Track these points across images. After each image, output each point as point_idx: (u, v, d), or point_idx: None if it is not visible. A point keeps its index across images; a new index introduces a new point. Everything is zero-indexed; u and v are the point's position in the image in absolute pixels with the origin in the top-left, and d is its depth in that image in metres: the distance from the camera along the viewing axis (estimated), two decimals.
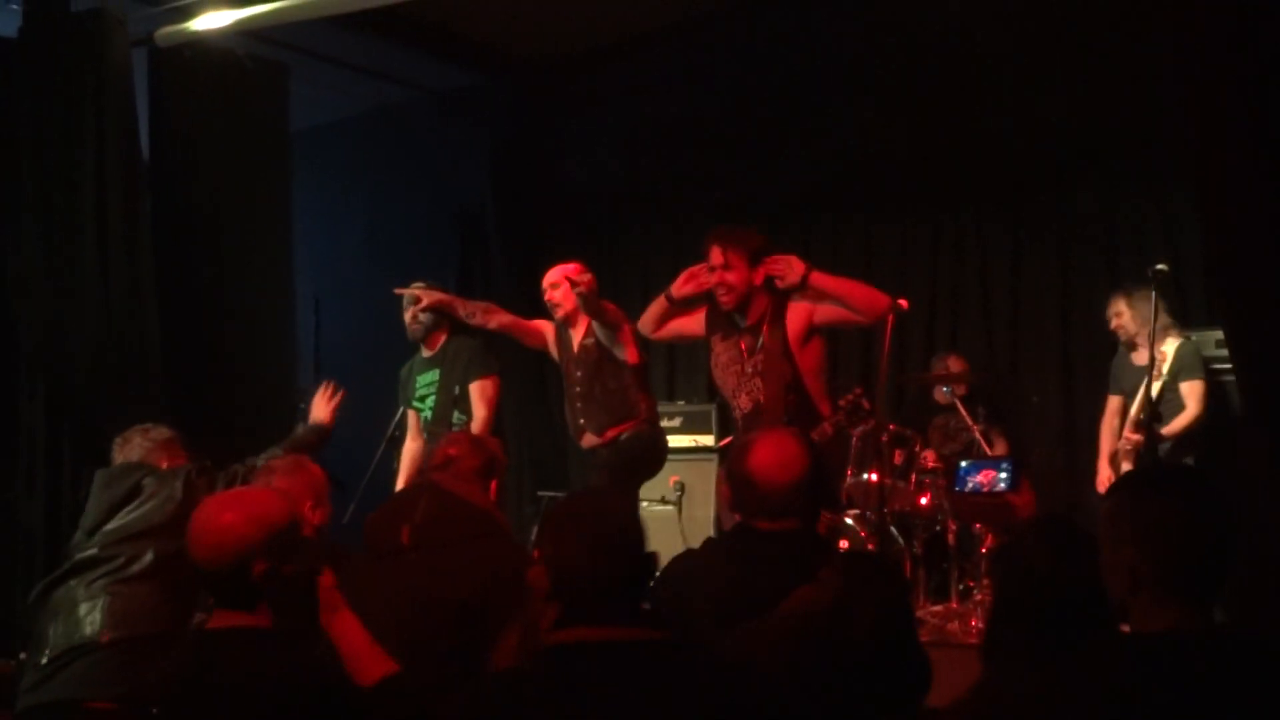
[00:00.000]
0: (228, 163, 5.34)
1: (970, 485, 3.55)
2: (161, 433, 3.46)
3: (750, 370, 3.95)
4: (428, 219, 7.19)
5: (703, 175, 6.42)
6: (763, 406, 3.92)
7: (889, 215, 6.35)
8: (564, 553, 1.85)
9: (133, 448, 3.40)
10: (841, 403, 3.82)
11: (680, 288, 4.08)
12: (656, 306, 4.19)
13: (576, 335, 4.62)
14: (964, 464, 3.47)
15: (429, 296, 4.73)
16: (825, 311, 3.93)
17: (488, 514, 2.86)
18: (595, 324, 4.44)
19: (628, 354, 4.49)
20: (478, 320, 4.71)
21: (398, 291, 4.82)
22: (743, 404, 4.00)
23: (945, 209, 6.25)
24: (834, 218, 6.48)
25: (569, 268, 4.59)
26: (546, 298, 4.63)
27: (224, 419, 4.96)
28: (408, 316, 4.81)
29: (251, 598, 2.07)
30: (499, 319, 4.73)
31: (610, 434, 4.52)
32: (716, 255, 3.94)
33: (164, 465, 3.33)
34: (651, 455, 4.57)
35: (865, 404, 3.76)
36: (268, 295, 5.47)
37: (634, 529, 1.91)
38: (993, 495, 3.54)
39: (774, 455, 2.21)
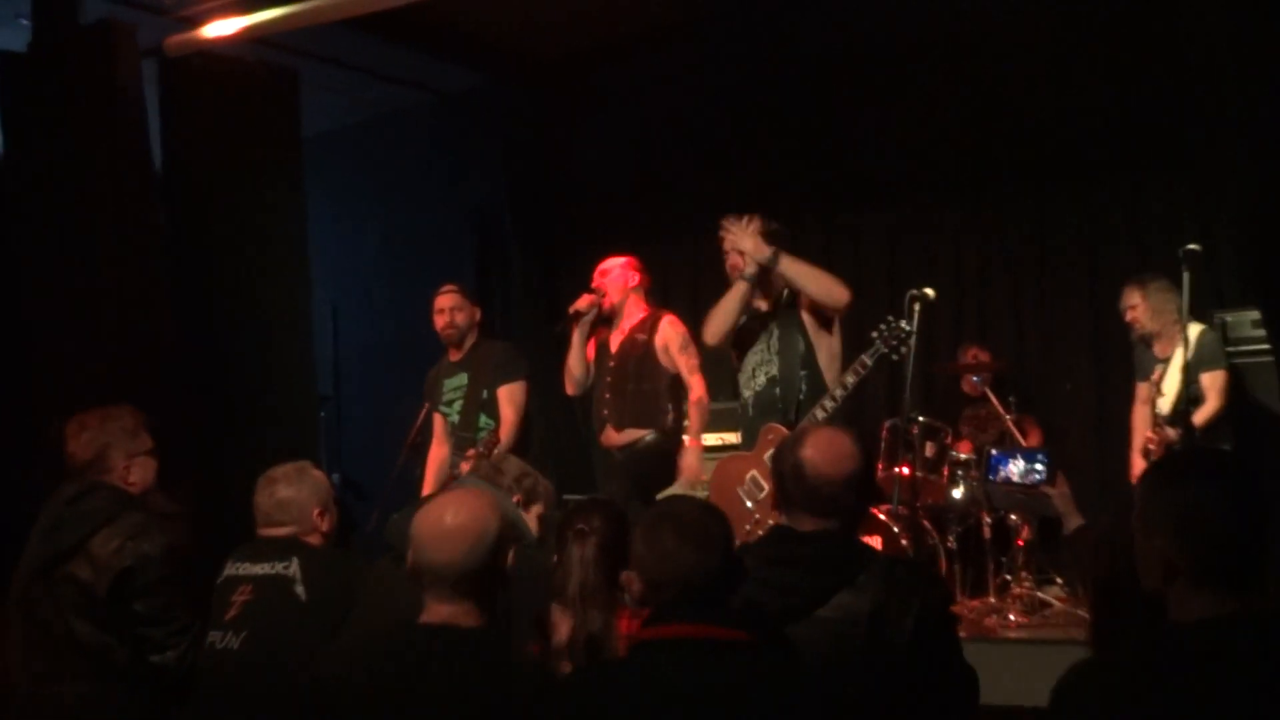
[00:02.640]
0: (240, 171, 5.32)
1: (1003, 474, 3.49)
2: (123, 424, 3.02)
3: (772, 348, 4.05)
4: (443, 223, 7.17)
5: (721, 171, 6.35)
6: (777, 381, 4.00)
7: (913, 205, 6.26)
8: (661, 551, 1.88)
9: (89, 439, 2.98)
10: (875, 333, 3.81)
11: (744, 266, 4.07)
12: (736, 302, 4.10)
13: (626, 325, 4.59)
14: (995, 452, 3.40)
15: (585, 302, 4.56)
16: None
17: (511, 520, 2.84)
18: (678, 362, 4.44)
19: (670, 365, 4.47)
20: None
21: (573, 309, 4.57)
22: (757, 383, 4.08)
23: (969, 196, 6.16)
24: (857, 209, 6.40)
25: (628, 261, 4.62)
26: (594, 284, 4.59)
27: (243, 430, 4.94)
28: (443, 320, 4.76)
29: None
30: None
31: (629, 433, 4.48)
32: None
33: (122, 465, 2.97)
34: (668, 465, 4.54)
35: (904, 325, 3.74)
36: (284, 304, 5.45)
37: (725, 529, 1.94)
38: (1026, 486, 3.47)
39: (828, 448, 2.15)
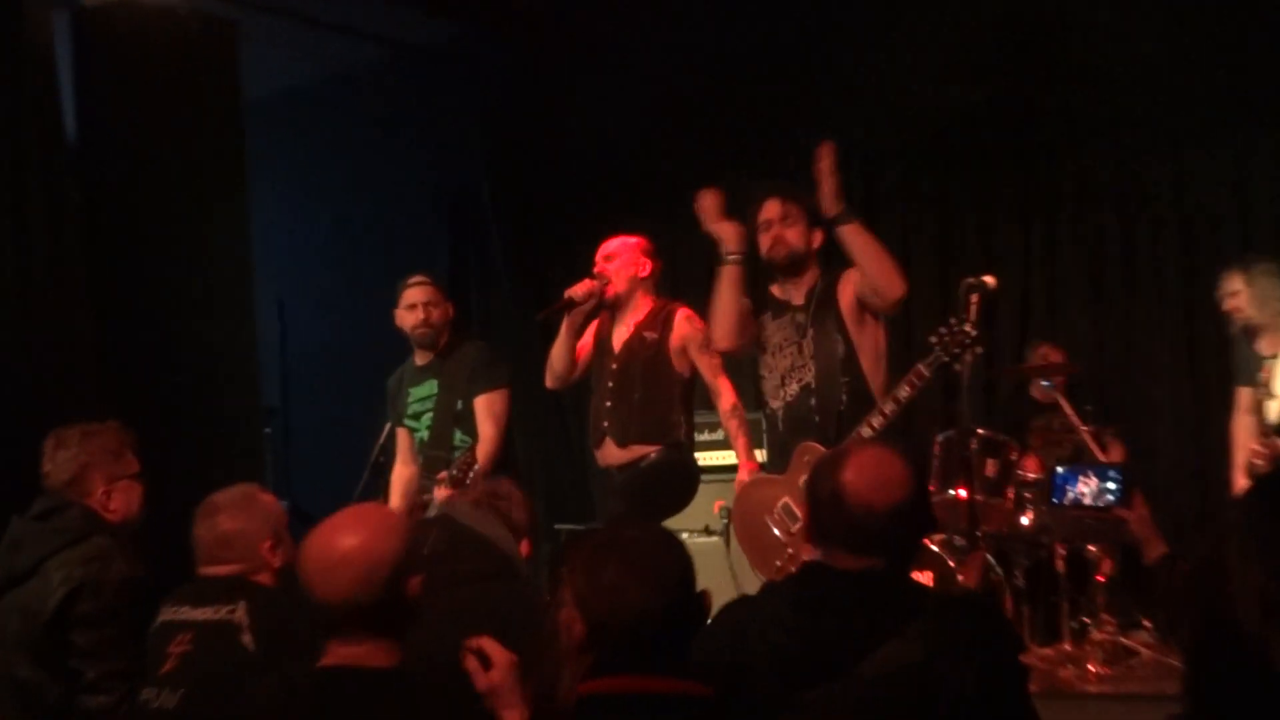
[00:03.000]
0: (170, 141, 5.33)
1: (1070, 496, 3.44)
2: (106, 440, 3.25)
3: (807, 351, 4.03)
4: (409, 203, 7.19)
5: (743, 137, 6.36)
6: (813, 390, 3.98)
7: (966, 176, 6.28)
8: (602, 588, 1.87)
9: (67, 458, 3.18)
10: (934, 338, 3.74)
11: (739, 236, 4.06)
12: (730, 290, 4.06)
13: (631, 320, 4.57)
14: (1060, 469, 3.38)
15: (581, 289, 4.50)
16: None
17: (505, 555, 2.89)
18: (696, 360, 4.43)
19: (685, 370, 4.47)
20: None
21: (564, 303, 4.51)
22: (789, 392, 4.05)
23: (1037, 161, 6.16)
24: (901, 177, 6.41)
25: (637, 243, 4.60)
26: (597, 269, 4.58)
27: (176, 450, 4.93)
28: (416, 317, 4.75)
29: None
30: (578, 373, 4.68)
31: (634, 450, 4.48)
32: (773, 208, 4.06)
33: (102, 489, 3.18)
34: (679, 484, 4.53)
35: (969, 328, 3.70)
36: (222, 299, 5.47)
37: (683, 562, 1.93)
38: (1098, 510, 3.43)
39: (874, 471, 2.11)
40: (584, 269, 4.67)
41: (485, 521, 2.94)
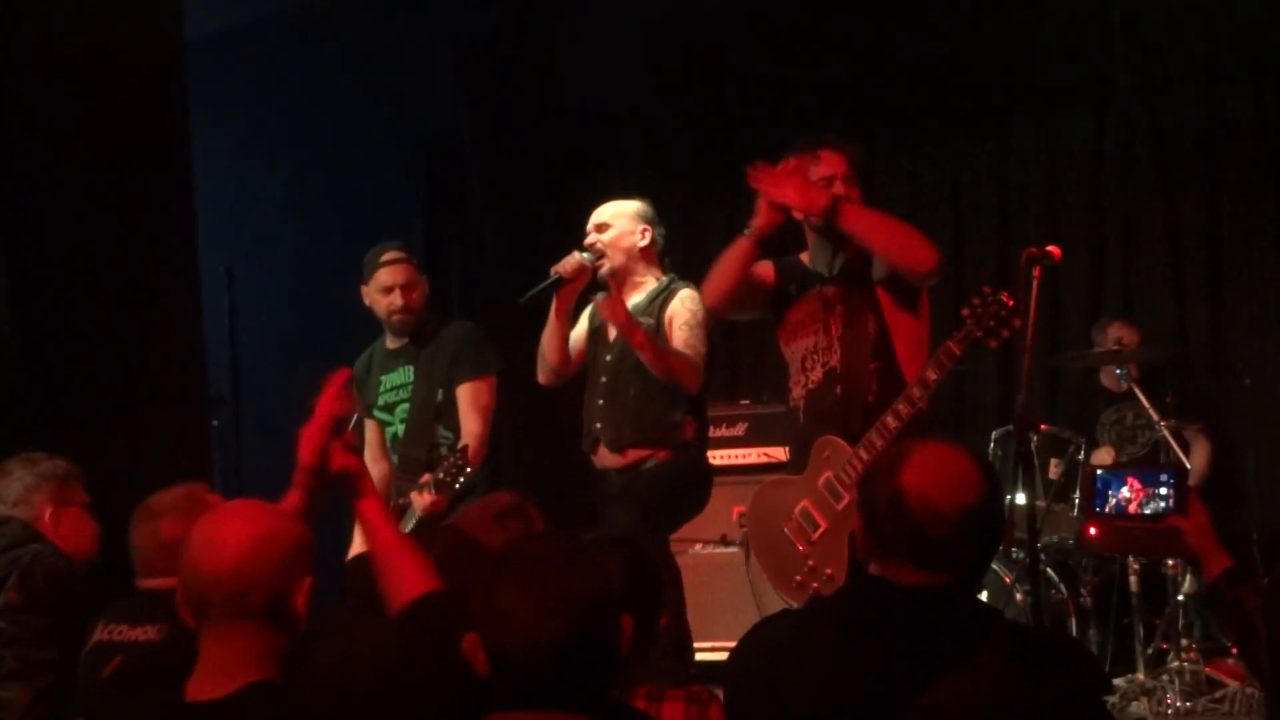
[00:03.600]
0: (98, 88, 5.33)
1: (1113, 503, 3.42)
2: (53, 467, 3.62)
3: (833, 330, 3.99)
4: (377, 157, 7.18)
5: (764, 80, 6.37)
6: (838, 375, 3.94)
7: (1018, 123, 6.30)
8: (497, 610, 1.95)
9: (7, 485, 3.54)
10: (965, 310, 3.72)
11: (768, 218, 4.01)
12: (734, 261, 4.08)
13: (628, 302, 4.51)
14: (1101, 472, 3.36)
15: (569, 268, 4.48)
16: None
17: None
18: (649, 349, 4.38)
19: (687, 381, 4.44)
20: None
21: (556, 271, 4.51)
22: (812, 378, 4.02)
23: (1101, 112, 6.19)
24: (950, 131, 6.44)
25: (636, 209, 4.58)
26: (588, 242, 4.58)
27: (109, 447, 4.96)
28: (393, 303, 4.74)
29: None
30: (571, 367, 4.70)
31: (632, 455, 4.50)
32: (838, 163, 4.00)
33: (47, 515, 3.51)
34: (687, 489, 4.53)
35: (1005, 299, 3.71)
36: (161, 271, 5.47)
37: (597, 584, 1.97)
38: (1148, 519, 3.40)
39: (940, 472, 2.11)
40: (581, 224, 4.65)
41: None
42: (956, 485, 2.11)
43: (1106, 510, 3.23)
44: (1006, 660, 2.02)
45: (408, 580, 2.38)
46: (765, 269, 4.17)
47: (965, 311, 3.73)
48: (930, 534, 2.09)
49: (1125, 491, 3.35)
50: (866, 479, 2.21)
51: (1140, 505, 3.21)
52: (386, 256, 4.75)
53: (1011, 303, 3.69)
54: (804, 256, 4.16)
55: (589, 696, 1.92)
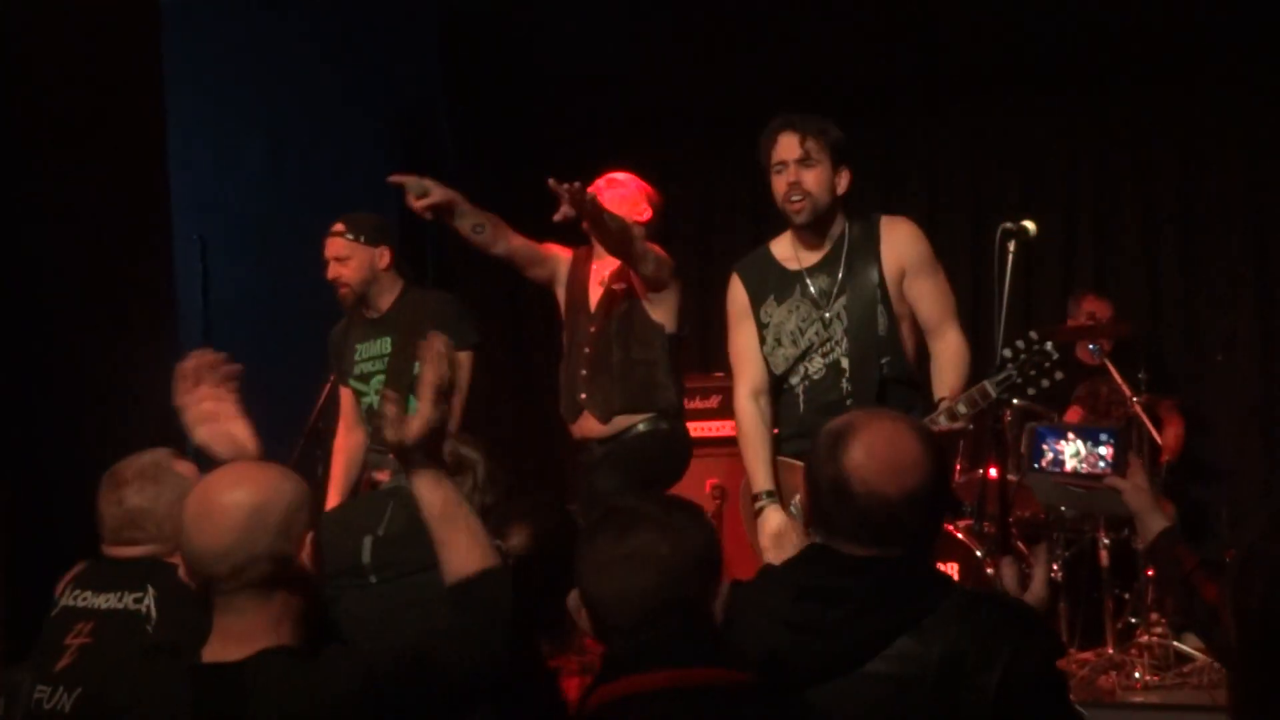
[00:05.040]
0: (68, 51, 5.29)
1: (1049, 458, 3.34)
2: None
3: (835, 324, 3.86)
4: (354, 126, 7.14)
5: (754, 54, 6.35)
6: (844, 372, 3.84)
7: (1006, 97, 6.30)
8: (604, 574, 1.98)
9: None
10: (1008, 351, 3.57)
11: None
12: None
13: (601, 272, 4.57)
14: (1040, 427, 3.31)
15: (436, 193, 4.53)
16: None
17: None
18: (634, 265, 4.36)
19: (666, 317, 4.45)
20: (485, 237, 4.63)
21: (395, 180, 4.57)
22: (813, 368, 3.91)
23: (1085, 86, 6.19)
24: (928, 104, 6.43)
25: (641, 185, 4.60)
26: (591, 188, 4.53)
27: (78, 414, 4.94)
28: (332, 273, 4.73)
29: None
30: (511, 241, 4.66)
31: (619, 421, 4.50)
32: (790, 145, 3.85)
33: None
34: (669, 457, 4.54)
35: (1049, 348, 3.55)
36: (133, 238, 5.44)
37: (710, 536, 2.03)
38: (1086, 477, 3.35)
39: (885, 452, 2.09)
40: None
41: None
42: (899, 467, 2.10)
43: (1043, 465, 3.20)
44: (956, 625, 2.02)
45: (462, 552, 2.29)
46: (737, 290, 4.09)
47: (1007, 352, 3.60)
48: (874, 519, 2.09)
49: (1064, 446, 3.32)
50: (812, 458, 2.19)
51: (1079, 464, 3.18)
52: (332, 228, 4.76)
53: (1056, 355, 3.58)
54: (776, 249, 4.03)
55: (707, 648, 1.95)
